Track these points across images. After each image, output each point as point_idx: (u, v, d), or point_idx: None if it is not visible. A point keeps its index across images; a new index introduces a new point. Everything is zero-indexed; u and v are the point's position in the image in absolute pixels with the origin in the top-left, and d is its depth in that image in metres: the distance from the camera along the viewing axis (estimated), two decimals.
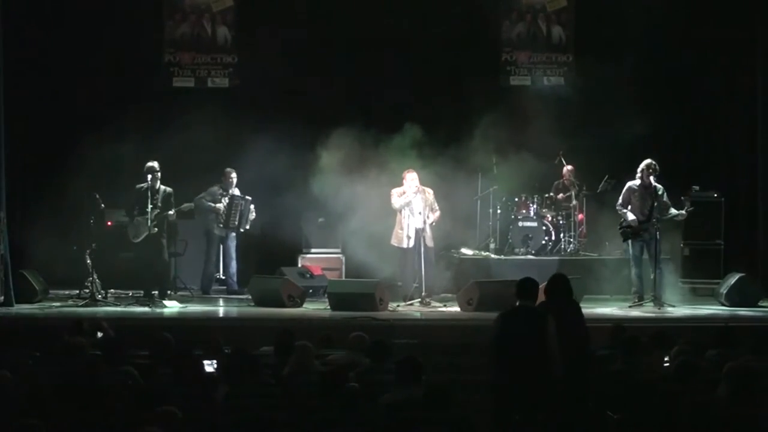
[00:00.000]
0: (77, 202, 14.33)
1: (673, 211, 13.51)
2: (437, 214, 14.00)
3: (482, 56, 16.62)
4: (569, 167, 16.09)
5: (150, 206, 13.23)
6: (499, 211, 15.94)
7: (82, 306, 13.29)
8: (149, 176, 13.40)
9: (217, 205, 14.79)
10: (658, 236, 13.33)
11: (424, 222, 13.75)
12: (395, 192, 13.90)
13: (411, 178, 13.85)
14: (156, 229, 13.32)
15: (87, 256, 13.76)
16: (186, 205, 13.65)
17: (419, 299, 13.62)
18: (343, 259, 15.47)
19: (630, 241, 13.57)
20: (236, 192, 14.91)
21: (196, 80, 16.60)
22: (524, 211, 15.90)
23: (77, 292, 13.97)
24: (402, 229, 13.84)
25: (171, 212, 13.42)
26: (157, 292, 13.48)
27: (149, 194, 13.31)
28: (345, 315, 12.42)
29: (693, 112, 16.43)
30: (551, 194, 16.10)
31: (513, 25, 16.86)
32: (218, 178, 15.01)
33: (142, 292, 13.64)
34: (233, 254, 15.00)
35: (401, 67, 16.05)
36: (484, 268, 15.08)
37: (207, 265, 14.97)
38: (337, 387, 7.33)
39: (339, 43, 16.17)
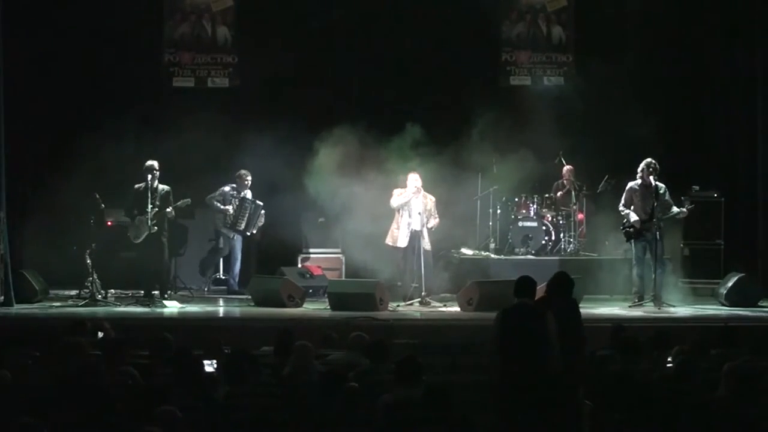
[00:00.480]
0: (77, 202, 14.32)
1: (674, 209, 13.51)
2: (437, 221, 13.99)
3: (482, 56, 16.64)
4: (569, 167, 16.09)
5: (150, 206, 13.23)
6: (499, 211, 15.94)
7: (82, 306, 13.29)
8: (149, 175, 13.37)
9: (227, 206, 14.81)
10: (659, 236, 13.34)
11: (422, 224, 13.75)
12: (396, 192, 13.92)
13: (412, 179, 13.85)
14: (156, 228, 13.31)
15: (87, 256, 13.75)
16: (183, 201, 13.57)
17: (419, 299, 13.63)
18: (343, 259, 15.48)
19: (633, 242, 13.57)
20: (248, 195, 14.93)
21: (196, 80, 16.59)
22: (524, 211, 15.91)
23: (77, 292, 13.97)
24: (398, 228, 13.85)
25: (169, 210, 13.41)
26: (157, 292, 13.49)
27: (148, 194, 13.29)
28: (345, 315, 12.41)
29: (693, 112, 16.43)
30: (551, 194, 16.11)
31: (513, 25, 16.87)
32: (218, 178, 15.02)
33: (142, 292, 13.63)
34: (238, 255, 15.02)
35: (401, 67, 16.05)
36: (484, 268, 15.09)
37: (213, 255, 15.15)
38: (336, 387, 7.33)
39: (339, 43, 16.18)
